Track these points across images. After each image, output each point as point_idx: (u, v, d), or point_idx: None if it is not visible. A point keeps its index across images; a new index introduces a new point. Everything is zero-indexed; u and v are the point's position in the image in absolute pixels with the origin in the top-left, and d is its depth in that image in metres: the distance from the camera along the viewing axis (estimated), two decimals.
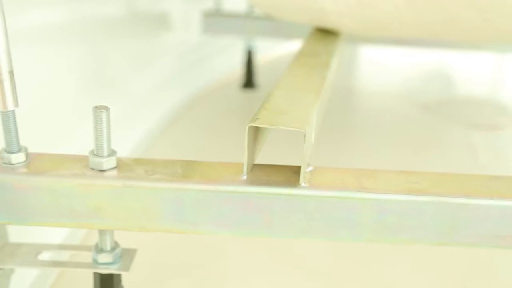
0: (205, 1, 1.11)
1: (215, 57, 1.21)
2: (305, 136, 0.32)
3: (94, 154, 0.34)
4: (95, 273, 0.39)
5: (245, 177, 0.34)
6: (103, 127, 0.33)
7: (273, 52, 1.39)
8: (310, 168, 0.35)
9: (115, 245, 0.38)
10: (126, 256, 0.39)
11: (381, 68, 1.42)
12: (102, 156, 0.34)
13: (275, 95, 0.39)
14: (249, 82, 1.14)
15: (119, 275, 0.39)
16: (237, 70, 1.19)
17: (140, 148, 0.83)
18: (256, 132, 0.35)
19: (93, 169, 0.34)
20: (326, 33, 0.63)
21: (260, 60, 1.22)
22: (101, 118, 0.33)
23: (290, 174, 0.34)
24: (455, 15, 0.48)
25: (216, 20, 1.05)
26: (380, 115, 1.06)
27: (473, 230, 0.34)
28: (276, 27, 1.02)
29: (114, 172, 0.34)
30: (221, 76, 1.21)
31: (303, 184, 0.33)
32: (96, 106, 0.33)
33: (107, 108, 0.33)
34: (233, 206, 0.34)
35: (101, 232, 0.37)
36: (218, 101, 1.11)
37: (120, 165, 0.35)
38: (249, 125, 0.33)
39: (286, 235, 0.34)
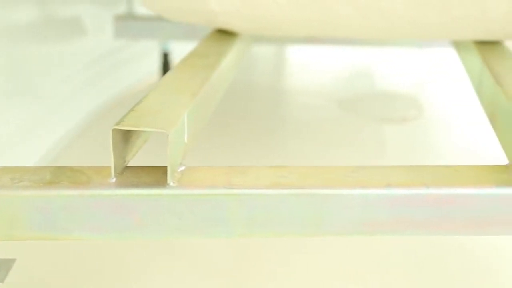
0: (119, 4, 1.10)
1: (133, 61, 1.20)
2: (168, 137, 0.33)
3: None
4: None
5: (113, 180, 0.34)
6: None
7: None
8: (182, 168, 0.36)
9: None
10: (2, 267, 0.38)
11: (305, 67, 1.44)
12: None
13: (149, 97, 0.39)
14: None
15: None
16: (156, 75, 1.19)
17: (49, 156, 0.81)
18: (126, 135, 0.35)
19: None
20: (224, 34, 0.64)
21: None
22: None
23: (161, 175, 0.35)
24: (336, 13, 0.50)
25: (128, 24, 1.04)
26: (296, 113, 1.08)
27: (338, 219, 0.35)
28: (190, 29, 1.01)
29: None
30: (139, 81, 1.20)
31: (171, 184, 0.34)
32: None
33: None
34: (103, 210, 0.34)
35: None
36: None
37: None
38: (112, 128, 0.33)
39: (158, 235, 0.35)
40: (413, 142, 0.93)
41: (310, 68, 1.44)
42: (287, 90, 1.27)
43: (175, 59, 1.13)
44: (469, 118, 0.98)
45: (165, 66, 1.13)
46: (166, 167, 0.35)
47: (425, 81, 1.32)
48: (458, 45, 0.66)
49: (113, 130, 0.33)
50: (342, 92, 1.22)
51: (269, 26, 0.55)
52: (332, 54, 1.55)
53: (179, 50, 1.25)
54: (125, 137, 0.35)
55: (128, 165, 0.36)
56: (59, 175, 0.34)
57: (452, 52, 0.68)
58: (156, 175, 0.35)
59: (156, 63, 1.18)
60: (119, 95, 1.11)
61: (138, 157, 0.38)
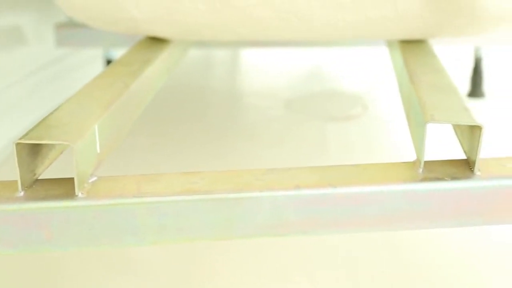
0: (61, 12, 1.09)
1: (77, 70, 1.18)
2: (73, 149, 0.33)
3: None
4: None
5: (21, 193, 0.34)
6: None
7: None
8: (94, 179, 0.36)
9: None
10: None
11: (258, 69, 1.45)
12: None
13: (60, 108, 0.39)
14: None
15: None
16: None
17: None
18: (35, 148, 0.35)
19: None
20: (156, 40, 0.64)
21: None
22: None
23: (71, 187, 0.35)
24: (255, 17, 0.50)
25: (69, 32, 1.03)
26: (243, 114, 1.09)
27: (249, 222, 0.36)
28: (132, 36, 1.01)
29: None
30: None
31: (80, 195, 0.34)
32: None
33: None
34: (12, 225, 0.34)
35: None
36: None
37: None
38: (16, 142, 0.33)
39: (70, 247, 0.35)
40: (354, 140, 0.95)
41: (263, 70, 1.45)
42: (237, 93, 1.28)
43: None
44: None
45: None
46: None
47: (373, 80, 1.35)
48: (388, 43, 0.68)
49: (17, 144, 0.33)
50: (290, 92, 1.23)
51: (192, 32, 0.56)
52: (287, 55, 1.57)
53: None
54: (34, 150, 0.35)
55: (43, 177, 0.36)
56: None
57: None
58: (66, 187, 0.35)
59: (100, 71, 1.17)
60: None
61: (60, 169, 0.38)
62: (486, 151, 0.90)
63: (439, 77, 0.47)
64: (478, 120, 0.37)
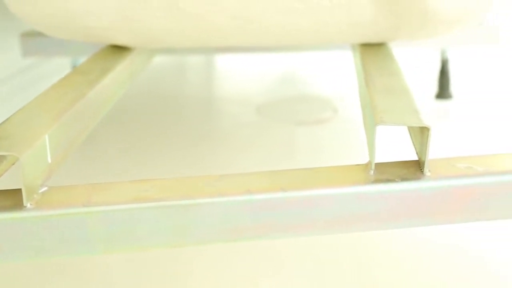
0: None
1: (45, 80, 1.17)
2: (20, 160, 0.32)
3: None
4: None
5: None
6: None
7: None
8: (44, 189, 0.36)
9: None
10: None
11: (232, 75, 1.46)
12: None
13: (12, 118, 0.39)
14: None
15: None
16: None
17: None
18: None
19: None
20: (118, 48, 0.64)
21: None
22: None
23: (20, 198, 0.34)
24: (212, 23, 0.51)
25: (35, 42, 1.02)
26: (214, 120, 1.09)
27: (202, 228, 0.36)
28: (99, 45, 1.01)
29: None
30: None
31: (28, 206, 0.34)
32: None
33: None
34: None
35: None
36: None
37: None
38: None
39: (20, 258, 0.34)
40: (323, 143, 0.95)
41: (237, 75, 1.45)
42: (209, 98, 1.28)
43: None
44: None
45: None
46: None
47: (345, 84, 1.36)
48: (352, 47, 0.69)
49: None
50: (262, 97, 1.24)
51: (152, 39, 0.56)
52: (261, 60, 1.58)
53: None
54: None
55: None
56: None
57: None
58: (15, 198, 0.34)
59: None
60: None
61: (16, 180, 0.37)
62: (453, 151, 0.91)
63: (393, 79, 0.48)
64: (426, 121, 0.38)
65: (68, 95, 0.44)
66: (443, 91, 1.16)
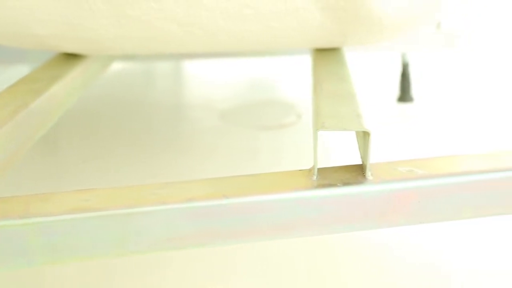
0: None
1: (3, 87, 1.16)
2: None
3: None
4: None
5: None
6: None
7: None
8: None
9: None
10: None
11: (199, 81, 1.45)
12: None
13: None
14: None
15: None
16: None
17: None
18: None
19: None
20: (69, 56, 0.63)
21: None
22: None
23: None
24: (161, 30, 0.51)
25: None
26: (178, 127, 1.08)
27: (143, 237, 0.35)
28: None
29: None
30: None
31: None
32: None
33: None
34: None
35: None
36: None
37: None
38: None
39: None
40: (285, 147, 0.95)
41: (204, 81, 1.45)
42: (174, 105, 1.27)
43: None
44: None
45: None
46: None
47: (310, 88, 1.36)
48: (310, 52, 0.69)
49: None
50: (227, 103, 1.24)
51: (100, 46, 0.55)
52: (231, 66, 1.58)
53: None
54: None
55: None
56: None
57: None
58: None
59: None
60: None
61: None
62: (414, 154, 0.92)
63: (341, 85, 0.49)
64: (366, 126, 0.38)
65: (10, 106, 0.44)
66: (404, 94, 1.17)
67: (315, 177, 0.38)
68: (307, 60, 1.61)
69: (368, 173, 0.38)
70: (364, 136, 0.39)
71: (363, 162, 0.39)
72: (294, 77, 1.47)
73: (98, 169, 0.89)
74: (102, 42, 0.53)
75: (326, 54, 0.60)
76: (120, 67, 1.60)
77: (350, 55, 1.55)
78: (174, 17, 0.49)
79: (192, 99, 1.30)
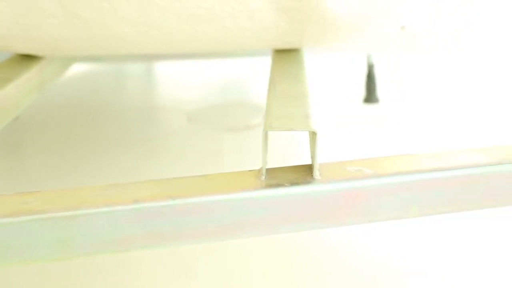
0: None
1: None
2: None
3: None
4: None
5: None
6: None
7: None
8: None
9: None
10: None
11: (171, 83, 1.44)
12: None
13: None
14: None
15: None
16: None
17: None
18: None
19: None
20: (25, 57, 0.62)
21: None
22: None
23: None
24: (114, 32, 0.50)
25: None
26: (145, 129, 1.08)
27: (88, 239, 0.35)
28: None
29: None
30: None
31: None
32: None
33: None
34: None
35: None
36: None
37: None
38: None
39: None
40: (250, 149, 0.96)
41: (176, 83, 1.44)
42: (145, 107, 1.27)
43: None
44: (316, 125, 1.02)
45: None
46: None
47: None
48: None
49: None
50: (196, 105, 1.23)
51: (53, 47, 0.55)
52: (203, 67, 1.57)
53: None
54: None
55: None
56: None
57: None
58: None
59: None
60: None
61: None
62: (378, 154, 0.93)
63: (295, 85, 0.49)
64: (313, 126, 0.38)
65: None
66: (370, 95, 1.18)
67: (263, 177, 0.38)
68: None
69: (316, 173, 0.38)
70: (312, 136, 0.39)
71: (312, 162, 0.40)
72: (266, 78, 1.47)
73: (64, 170, 0.88)
74: (55, 43, 0.52)
75: (285, 55, 0.60)
76: (90, 69, 1.59)
77: (318, 57, 1.56)
78: (127, 17, 0.48)
79: (162, 101, 1.29)
